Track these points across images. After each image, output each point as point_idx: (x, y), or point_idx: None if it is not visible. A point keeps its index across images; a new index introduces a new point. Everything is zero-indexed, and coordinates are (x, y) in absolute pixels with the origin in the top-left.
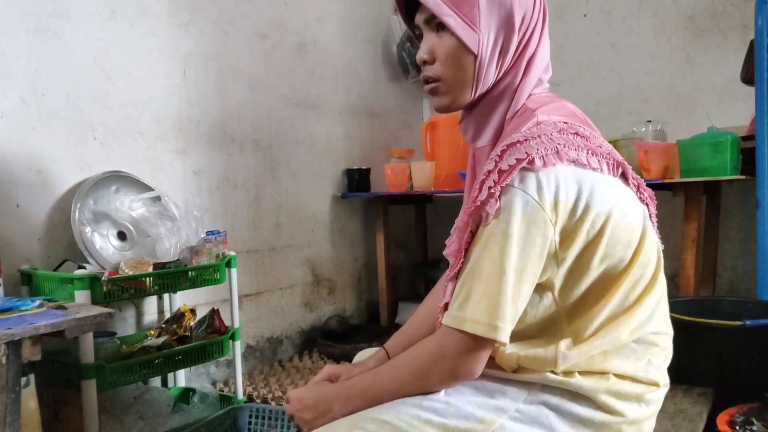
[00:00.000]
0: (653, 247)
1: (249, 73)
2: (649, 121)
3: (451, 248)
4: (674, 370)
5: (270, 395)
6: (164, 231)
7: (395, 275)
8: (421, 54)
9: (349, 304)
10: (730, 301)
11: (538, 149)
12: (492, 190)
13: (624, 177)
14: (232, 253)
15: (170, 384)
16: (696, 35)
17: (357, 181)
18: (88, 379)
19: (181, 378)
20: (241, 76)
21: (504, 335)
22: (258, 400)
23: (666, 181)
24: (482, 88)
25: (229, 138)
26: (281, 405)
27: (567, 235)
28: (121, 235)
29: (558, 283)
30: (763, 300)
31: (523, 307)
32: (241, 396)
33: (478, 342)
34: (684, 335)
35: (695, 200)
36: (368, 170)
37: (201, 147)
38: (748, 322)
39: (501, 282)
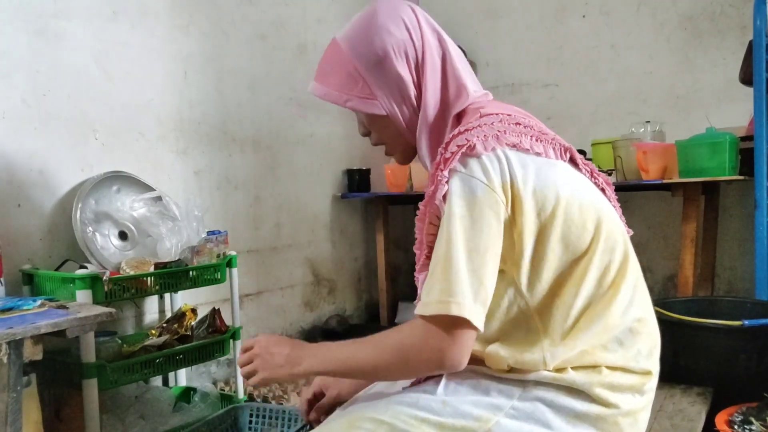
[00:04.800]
0: (617, 230)
1: (249, 74)
2: (648, 122)
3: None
4: (673, 370)
5: (270, 394)
6: (165, 231)
7: (395, 275)
8: (360, 132)
9: (349, 303)
10: (728, 302)
11: (477, 136)
12: (439, 177)
13: (573, 162)
14: (233, 253)
15: (171, 383)
16: (695, 36)
17: (357, 181)
18: (89, 379)
19: (182, 377)
20: (241, 77)
21: (467, 311)
22: (259, 400)
23: (665, 181)
24: (412, 128)
25: (230, 138)
26: (281, 404)
27: (519, 217)
28: (123, 235)
29: (522, 274)
30: (761, 300)
31: (492, 287)
32: (241, 395)
33: (449, 324)
34: (683, 335)
35: (694, 200)
36: (368, 170)
37: (202, 147)
38: (746, 322)
39: (457, 262)
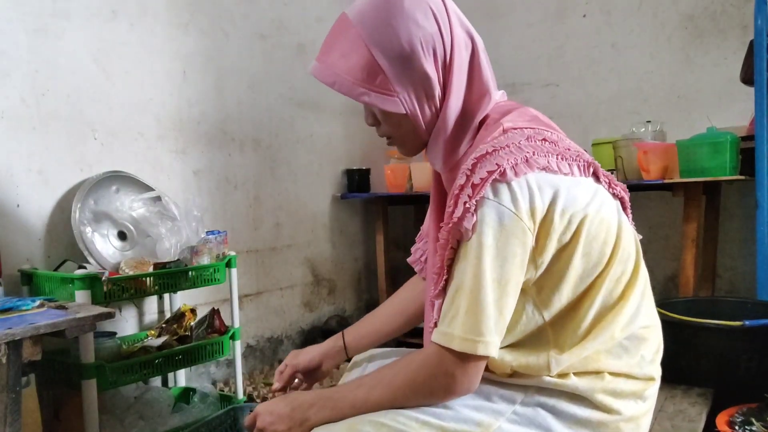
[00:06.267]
0: (631, 240)
1: (249, 73)
2: (649, 121)
3: (434, 266)
4: (674, 371)
5: (270, 395)
6: (164, 231)
7: (395, 275)
8: (366, 122)
9: (349, 304)
10: (729, 302)
11: (507, 159)
12: (467, 205)
13: (595, 176)
14: (232, 253)
15: (170, 384)
16: (695, 35)
17: (357, 181)
18: (88, 379)
19: (182, 378)
20: (241, 76)
21: (492, 349)
22: (258, 400)
23: (665, 181)
24: (429, 128)
25: (229, 138)
26: None
27: (543, 239)
28: (122, 235)
29: (535, 286)
30: (762, 300)
31: (510, 315)
32: (241, 396)
33: (469, 358)
34: (683, 336)
35: (695, 200)
36: (368, 170)
37: (201, 147)
38: (747, 323)
39: (485, 296)
